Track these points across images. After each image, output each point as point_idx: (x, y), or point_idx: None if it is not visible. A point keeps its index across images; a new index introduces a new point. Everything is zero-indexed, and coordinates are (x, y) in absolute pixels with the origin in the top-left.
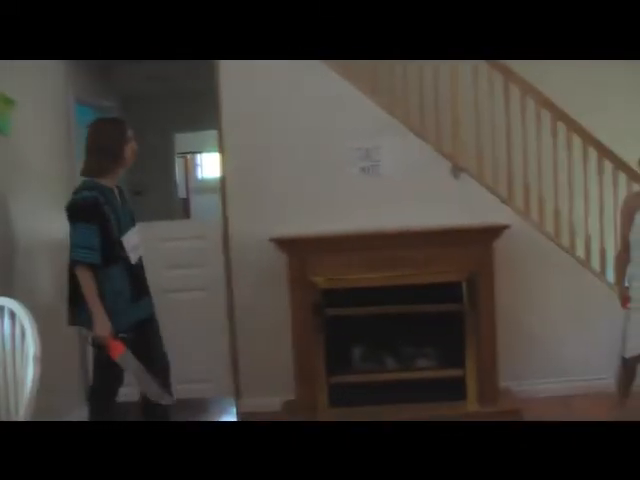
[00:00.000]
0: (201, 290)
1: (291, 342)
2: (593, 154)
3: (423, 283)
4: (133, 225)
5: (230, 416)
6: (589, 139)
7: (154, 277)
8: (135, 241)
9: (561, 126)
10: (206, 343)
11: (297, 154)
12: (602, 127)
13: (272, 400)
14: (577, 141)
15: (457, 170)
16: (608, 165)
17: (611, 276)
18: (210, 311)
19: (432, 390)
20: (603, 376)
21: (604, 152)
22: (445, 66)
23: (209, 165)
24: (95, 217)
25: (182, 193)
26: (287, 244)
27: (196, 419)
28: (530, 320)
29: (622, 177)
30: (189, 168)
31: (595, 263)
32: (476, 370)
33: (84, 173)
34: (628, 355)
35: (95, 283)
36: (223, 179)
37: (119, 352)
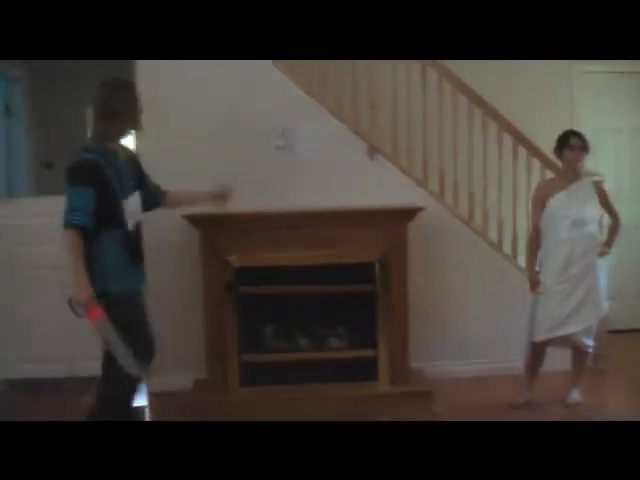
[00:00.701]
0: None
1: (203, 320)
2: (508, 140)
3: (336, 263)
4: (135, 190)
5: (140, 395)
6: (505, 125)
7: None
8: (134, 206)
9: (477, 111)
10: None
11: (213, 132)
12: (518, 113)
13: (183, 378)
14: (493, 126)
15: (373, 151)
16: (522, 151)
17: (523, 260)
18: None
19: (344, 370)
20: (513, 358)
21: (519, 138)
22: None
23: (124, 140)
24: (93, 180)
25: None
26: (200, 221)
27: None
28: (442, 302)
29: (536, 163)
30: None
31: (507, 247)
32: (388, 351)
33: (98, 139)
34: (537, 339)
35: (82, 247)
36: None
37: (98, 318)
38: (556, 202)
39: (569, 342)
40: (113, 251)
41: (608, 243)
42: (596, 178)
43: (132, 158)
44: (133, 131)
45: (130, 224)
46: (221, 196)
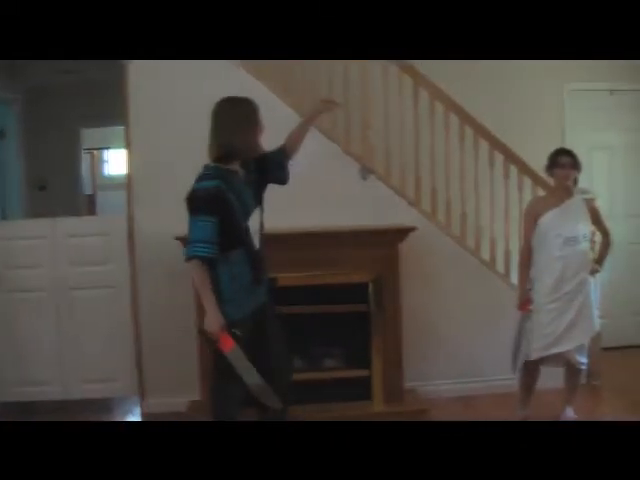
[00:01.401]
0: (106, 288)
1: (197, 342)
2: (499, 158)
3: (330, 283)
4: (256, 206)
5: (134, 416)
6: (496, 143)
7: (58, 274)
8: (257, 224)
9: (468, 131)
10: (111, 342)
11: (204, 151)
12: (509, 132)
13: (177, 400)
14: (484, 145)
15: (365, 172)
16: (514, 169)
17: (515, 278)
18: (115, 309)
19: (339, 390)
20: (507, 377)
21: (510, 156)
22: (355, 67)
23: (116, 161)
24: (216, 208)
25: (88, 189)
26: None
27: (99, 419)
28: (435, 321)
29: (527, 182)
30: (95, 164)
31: (500, 266)
32: (382, 370)
33: (216, 160)
34: (531, 358)
35: (208, 277)
36: (129, 176)
37: (230, 347)
38: (548, 220)
39: (562, 360)
40: (234, 273)
41: (599, 260)
42: (588, 195)
43: (248, 173)
44: (252, 153)
45: (256, 243)
46: (328, 103)
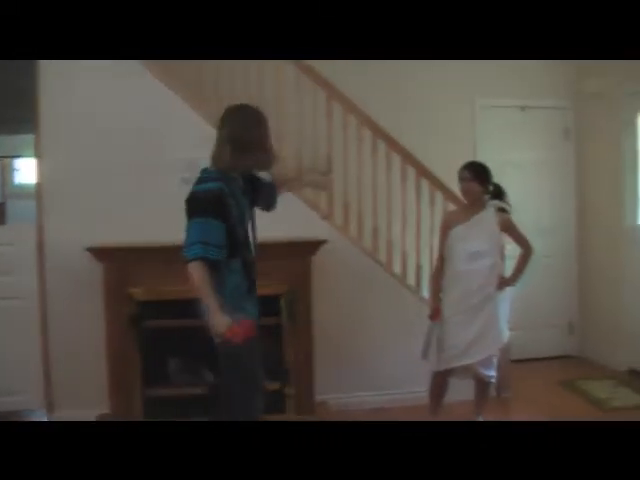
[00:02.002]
0: (13, 299)
1: (106, 354)
2: (412, 172)
3: None
4: (251, 217)
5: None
6: (408, 158)
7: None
8: (252, 234)
9: (381, 145)
10: (17, 354)
11: (118, 162)
12: (422, 147)
13: (86, 413)
14: (396, 159)
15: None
16: (425, 184)
17: (426, 292)
18: (22, 320)
19: None
20: (418, 389)
21: (422, 171)
22: (269, 81)
23: (27, 170)
24: (220, 211)
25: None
26: (102, 254)
27: None
28: (347, 334)
29: (439, 196)
30: (6, 172)
31: (411, 279)
32: (294, 383)
33: (222, 168)
34: (439, 369)
35: (210, 277)
36: (39, 185)
37: (247, 334)
38: (455, 234)
39: (470, 372)
40: (233, 282)
41: (516, 272)
42: (501, 206)
43: (247, 181)
44: (270, 164)
45: (253, 253)
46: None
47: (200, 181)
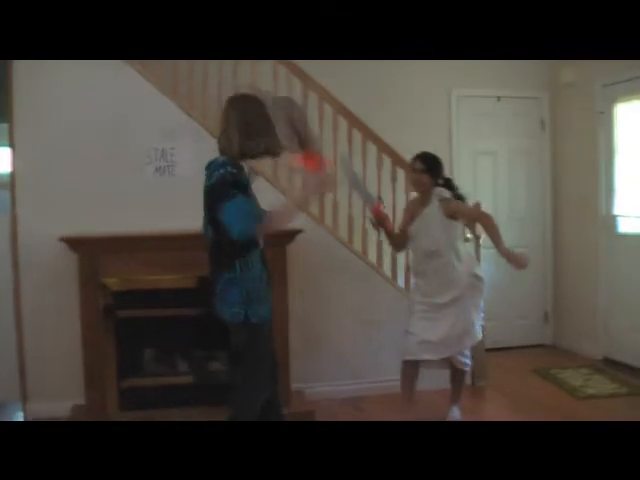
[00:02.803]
0: None
1: (80, 345)
2: (387, 161)
3: None
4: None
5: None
6: (383, 147)
7: None
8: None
9: (356, 134)
10: None
11: (91, 151)
12: (397, 136)
13: (61, 404)
14: (372, 148)
15: (252, 173)
16: (401, 173)
17: (402, 282)
18: None
19: (224, 392)
20: (392, 378)
21: (397, 161)
22: (246, 69)
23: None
24: (245, 190)
25: None
26: (77, 244)
27: None
28: (322, 323)
29: None
30: None
31: (387, 268)
32: None
33: (233, 153)
34: (405, 358)
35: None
36: (12, 175)
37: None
38: (412, 231)
39: (446, 362)
40: (255, 271)
41: (498, 245)
42: (443, 197)
43: (250, 172)
44: (280, 150)
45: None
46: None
47: (219, 167)
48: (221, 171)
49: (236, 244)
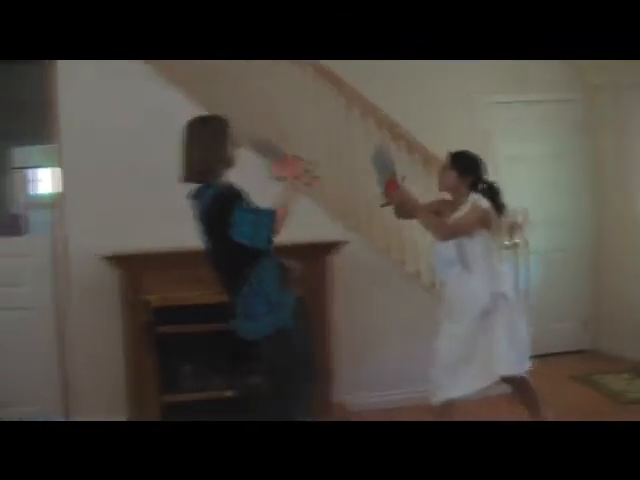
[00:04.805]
0: (29, 309)
1: (122, 362)
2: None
3: None
4: None
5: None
6: (414, 150)
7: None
8: None
9: (387, 135)
10: (34, 364)
11: (136, 169)
12: (431, 145)
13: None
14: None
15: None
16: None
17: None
18: (39, 330)
19: (265, 406)
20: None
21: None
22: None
23: (43, 180)
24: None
25: (15, 209)
26: (118, 261)
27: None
28: (363, 335)
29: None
30: (21, 183)
31: (426, 278)
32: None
33: (192, 177)
34: (433, 400)
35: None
36: (56, 195)
37: None
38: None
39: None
40: (272, 273)
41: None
42: (477, 205)
43: None
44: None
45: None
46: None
47: (206, 187)
48: (210, 192)
49: (248, 252)
